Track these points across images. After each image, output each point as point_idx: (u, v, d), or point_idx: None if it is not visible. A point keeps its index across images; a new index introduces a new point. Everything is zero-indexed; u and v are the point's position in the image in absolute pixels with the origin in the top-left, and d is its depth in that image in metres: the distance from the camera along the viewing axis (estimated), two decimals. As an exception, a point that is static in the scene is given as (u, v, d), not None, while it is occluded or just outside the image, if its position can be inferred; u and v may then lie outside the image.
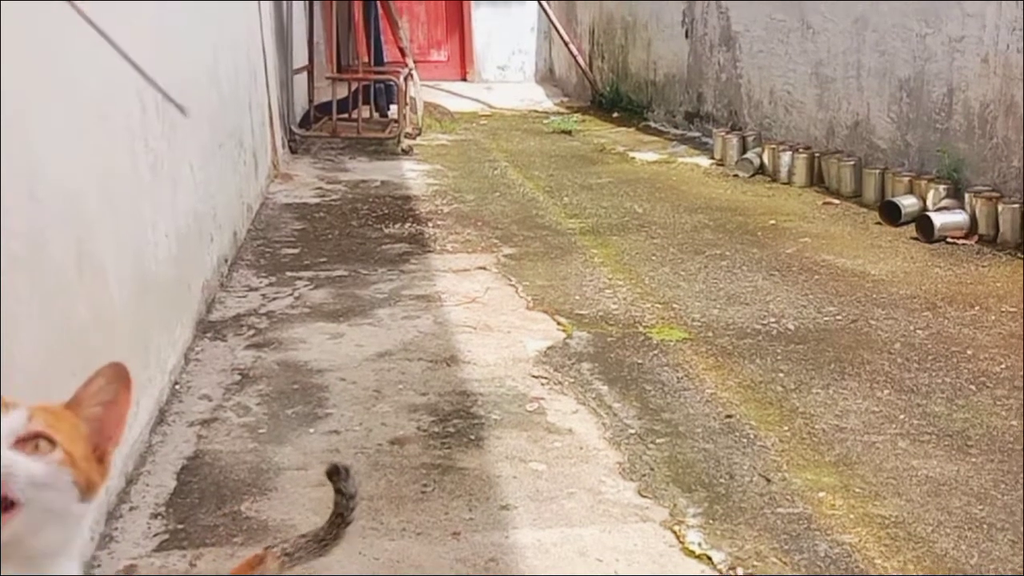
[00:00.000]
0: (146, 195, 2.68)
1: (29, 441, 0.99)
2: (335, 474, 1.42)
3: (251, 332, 3.25)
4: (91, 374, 1.08)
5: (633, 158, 6.62)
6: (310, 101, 6.88)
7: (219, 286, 3.63)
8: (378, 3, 7.40)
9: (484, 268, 4.03)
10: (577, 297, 3.65)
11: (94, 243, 2.16)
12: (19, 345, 1.70)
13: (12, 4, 1.79)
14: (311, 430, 2.55)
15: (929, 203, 4.63)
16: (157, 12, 2.99)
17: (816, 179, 5.56)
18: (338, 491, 1.42)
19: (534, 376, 2.93)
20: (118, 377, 1.08)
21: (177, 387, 2.78)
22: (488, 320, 3.40)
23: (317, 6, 7.04)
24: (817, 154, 5.58)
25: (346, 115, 6.75)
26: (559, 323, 3.38)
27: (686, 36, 7.45)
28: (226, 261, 3.84)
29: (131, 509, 2.15)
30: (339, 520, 1.40)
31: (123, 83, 2.54)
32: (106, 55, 2.37)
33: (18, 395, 1.65)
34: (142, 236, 2.61)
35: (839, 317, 3.43)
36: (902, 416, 2.65)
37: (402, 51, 7.46)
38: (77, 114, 2.13)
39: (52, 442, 1.00)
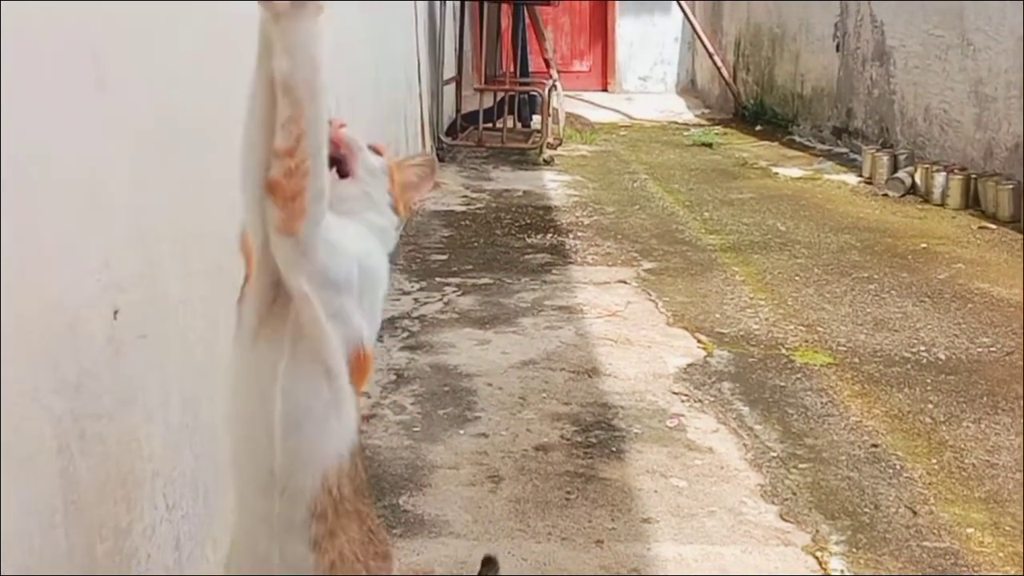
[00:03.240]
0: (318, 204, 2.88)
1: (373, 149, 1.34)
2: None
3: (405, 335, 3.42)
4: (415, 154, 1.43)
5: (776, 173, 6.54)
6: (457, 111, 7.11)
7: (374, 289, 3.83)
8: (525, 14, 7.57)
9: (624, 282, 4.10)
10: (718, 315, 3.68)
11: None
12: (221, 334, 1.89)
13: (226, 36, 1.98)
14: (461, 431, 2.69)
15: (1095, 232, 4.42)
16: (335, 36, 3.20)
17: (971, 202, 5.36)
18: None
19: (674, 392, 2.98)
20: (431, 164, 1.46)
21: (338, 384, 2.97)
22: (628, 334, 3.47)
23: (467, 18, 7.27)
24: (974, 176, 5.39)
25: (490, 125, 6.94)
26: (699, 341, 3.41)
27: (837, 49, 7.30)
28: (381, 265, 4.04)
29: (299, 496, 2.33)
30: None
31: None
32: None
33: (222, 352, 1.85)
34: (314, 242, 2.81)
35: (993, 349, 3.33)
36: (1059, 456, 2.58)
37: (547, 62, 7.61)
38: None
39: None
